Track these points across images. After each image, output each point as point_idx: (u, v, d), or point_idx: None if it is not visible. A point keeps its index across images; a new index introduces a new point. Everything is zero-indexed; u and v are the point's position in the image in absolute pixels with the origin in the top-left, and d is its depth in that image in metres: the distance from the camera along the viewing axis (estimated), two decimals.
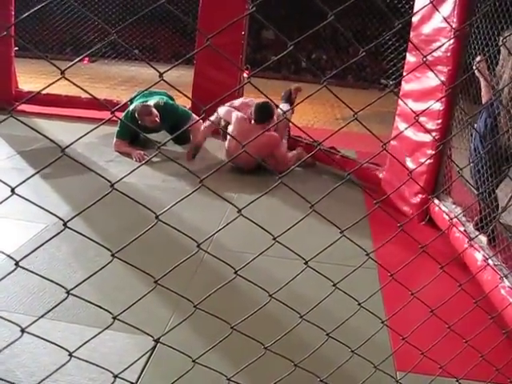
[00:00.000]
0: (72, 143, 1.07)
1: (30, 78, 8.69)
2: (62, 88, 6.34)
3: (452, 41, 3.77)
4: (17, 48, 7.03)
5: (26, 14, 1.13)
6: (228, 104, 5.42)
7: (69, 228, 1.04)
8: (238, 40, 6.45)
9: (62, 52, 15.40)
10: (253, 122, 5.13)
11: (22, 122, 0.98)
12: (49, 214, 1.08)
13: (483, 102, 3.59)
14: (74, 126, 6.22)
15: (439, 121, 4.00)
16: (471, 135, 3.83)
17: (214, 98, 1.43)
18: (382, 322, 1.64)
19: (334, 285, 1.47)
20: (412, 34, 4.27)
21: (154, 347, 2.26)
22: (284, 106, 5.78)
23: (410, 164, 4.19)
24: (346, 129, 2.13)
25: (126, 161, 5.22)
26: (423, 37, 4.12)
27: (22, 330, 1.07)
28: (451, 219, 3.62)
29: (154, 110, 5.39)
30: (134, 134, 5.64)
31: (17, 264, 1.02)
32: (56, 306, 1.23)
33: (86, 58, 11.04)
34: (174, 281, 1.42)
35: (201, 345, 1.51)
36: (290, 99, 6.09)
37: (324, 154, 5.34)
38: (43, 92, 1.10)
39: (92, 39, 13.85)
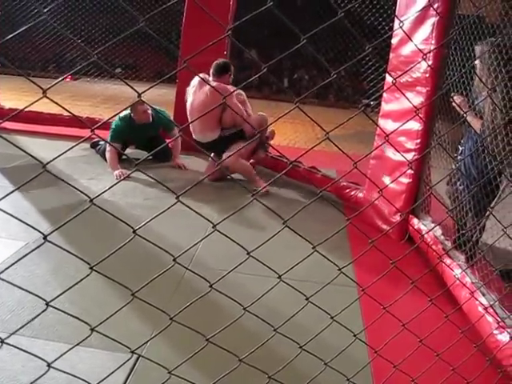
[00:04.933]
0: (54, 159, 1.09)
1: (11, 94, 8.66)
2: (44, 105, 6.33)
3: (430, 62, 3.84)
4: None
5: (11, 36, 1.16)
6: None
7: (49, 242, 1.05)
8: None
9: (44, 69, 15.38)
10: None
11: (4, 138, 1.00)
12: (29, 232, 1.10)
13: (477, 129, 3.46)
14: (55, 143, 6.21)
15: (418, 140, 4.06)
16: (456, 155, 3.83)
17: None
18: (355, 336, 1.67)
19: (306, 299, 1.50)
20: (391, 55, 4.35)
21: (134, 364, 2.27)
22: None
23: (389, 183, 4.23)
24: (328, 148, 2.17)
25: (107, 178, 5.22)
26: (402, 58, 4.20)
27: (2, 341, 1.08)
28: (422, 235, 3.67)
29: (147, 105, 5.46)
30: (124, 143, 5.77)
31: None
32: (35, 318, 1.24)
33: (69, 76, 11.05)
34: (154, 297, 1.45)
35: (181, 359, 1.53)
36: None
37: (304, 173, 5.39)
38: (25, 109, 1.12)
39: (75, 57, 13.88)
